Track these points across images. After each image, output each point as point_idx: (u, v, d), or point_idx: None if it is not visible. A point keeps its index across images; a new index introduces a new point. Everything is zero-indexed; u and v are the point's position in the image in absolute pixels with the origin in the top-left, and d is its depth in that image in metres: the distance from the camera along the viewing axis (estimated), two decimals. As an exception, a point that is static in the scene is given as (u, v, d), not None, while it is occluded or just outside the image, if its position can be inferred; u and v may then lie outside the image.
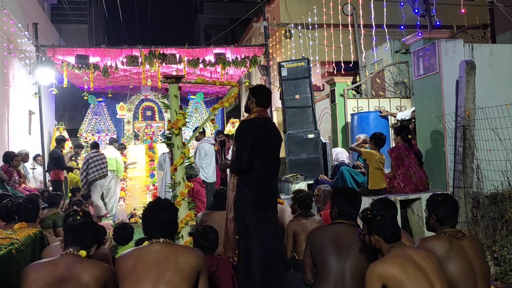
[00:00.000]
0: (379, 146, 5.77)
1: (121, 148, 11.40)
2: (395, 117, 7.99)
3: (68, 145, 12.21)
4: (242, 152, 3.88)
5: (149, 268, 2.56)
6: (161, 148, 11.20)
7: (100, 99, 13.03)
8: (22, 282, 2.55)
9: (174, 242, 2.81)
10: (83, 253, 2.64)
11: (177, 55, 10.05)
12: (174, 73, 10.33)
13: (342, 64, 10.54)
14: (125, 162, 11.32)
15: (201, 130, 7.95)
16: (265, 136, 3.99)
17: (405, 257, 2.60)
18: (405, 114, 7.50)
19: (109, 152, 10.24)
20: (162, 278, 2.53)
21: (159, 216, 2.72)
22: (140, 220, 10.12)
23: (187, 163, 4.29)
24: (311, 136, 7.89)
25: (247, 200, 3.88)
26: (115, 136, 12.51)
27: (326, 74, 12.61)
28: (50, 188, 8.82)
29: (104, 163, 9.51)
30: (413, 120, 6.99)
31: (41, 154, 9.67)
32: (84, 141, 12.42)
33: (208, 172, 8.23)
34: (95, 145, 9.95)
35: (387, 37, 9.78)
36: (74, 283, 2.47)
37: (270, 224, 3.99)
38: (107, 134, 12.77)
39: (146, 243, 2.78)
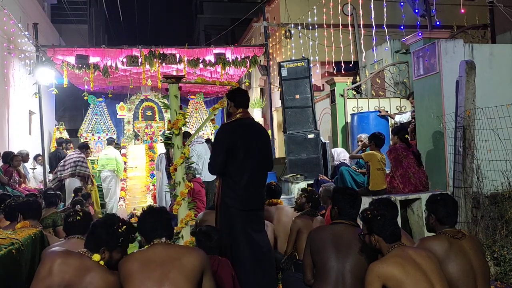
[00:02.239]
0: (379, 146, 5.76)
1: (116, 147, 11.38)
2: (393, 119, 7.99)
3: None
4: (215, 155, 3.93)
5: (153, 269, 2.57)
6: (161, 148, 11.19)
7: (100, 99, 13.01)
8: (43, 262, 2.64)
9: (174, 243, 2.85)
10: (96, 257, 2.64)
11: (177, 55, 10.05)
12: (174, 73, 10.33)
13: (342, 64, 10.54)
14: (125, 163, 11.31)
15: (201, 130, 7.93)
16: (247, 137, 3.91)
17: (405, 257, 2.61)
18: (403, 117, 7.49)
19: (109, 152, 10.22)
20: (166, 278, 2.54)
21: (160, 217, 2.84)
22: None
23: (188, 164, 4.31)
24: (311, 136, 7.88)
25: (231, 202, 3.84)
26: (115, 136, 12.51)
27: (326, 74, 12.62)
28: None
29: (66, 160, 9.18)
30: (413, 121, 6.98)
31: (41, 154, 9.67)
32: (84, 141, 12.40)
33: (205, 173, 8.19)
34: (80, 146, 9.58)
35: (387, 37, 9.78)
36: None
37: (258, 225, 3.94)
38: (107, 134, 12.75)
39: (146, 246, 2.79)
